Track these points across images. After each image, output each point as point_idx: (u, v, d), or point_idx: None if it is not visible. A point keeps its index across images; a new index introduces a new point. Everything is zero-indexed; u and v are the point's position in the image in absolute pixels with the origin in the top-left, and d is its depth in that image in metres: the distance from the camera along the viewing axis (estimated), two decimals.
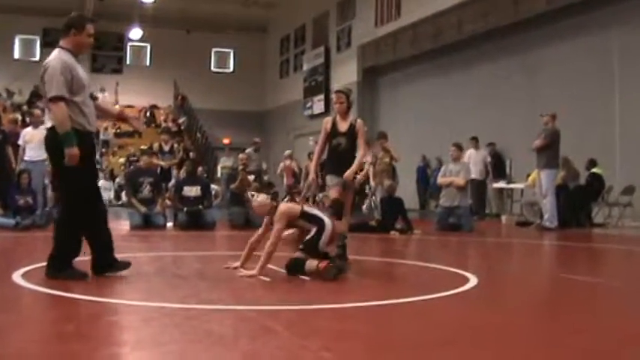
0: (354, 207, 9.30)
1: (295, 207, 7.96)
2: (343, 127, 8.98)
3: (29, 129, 16.81)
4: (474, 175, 19.18)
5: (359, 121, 9.06)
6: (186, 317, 5.36)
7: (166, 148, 17.43)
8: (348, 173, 8.67)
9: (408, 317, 5.65)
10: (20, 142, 16.45)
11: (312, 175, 9.27)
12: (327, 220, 7.74)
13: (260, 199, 7.88)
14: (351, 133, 8.90)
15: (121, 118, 8.99)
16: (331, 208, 8.47)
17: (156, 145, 17.91)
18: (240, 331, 5.01)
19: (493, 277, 8.39)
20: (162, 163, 17.06)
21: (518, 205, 20.64)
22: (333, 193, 8.77)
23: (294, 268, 7.41)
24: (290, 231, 7.80)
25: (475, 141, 19.76)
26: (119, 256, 7.49)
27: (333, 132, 9.05)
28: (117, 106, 38.08)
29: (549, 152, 16.47)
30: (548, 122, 16.75)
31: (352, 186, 9.06)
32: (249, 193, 8.22)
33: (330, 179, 8.90)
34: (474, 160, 19.92)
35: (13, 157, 16.18)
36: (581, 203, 17.90)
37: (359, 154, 9.00)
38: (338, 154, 8.99)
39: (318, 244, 7.59)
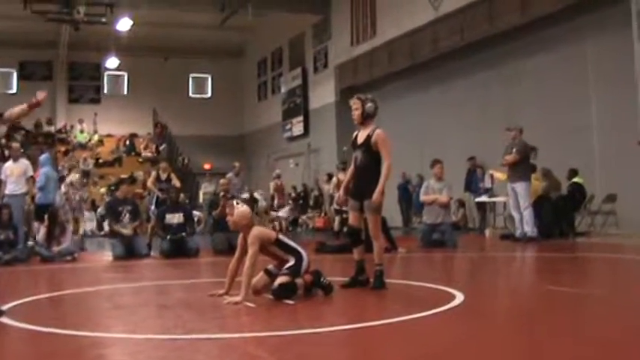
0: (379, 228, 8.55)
1: (270, 232, 7.96)
2: (361, 138, 8.45)
3: (9, 163, 16.76)
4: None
5: (377, 131, 8.34)
6: (172, 349, 5.33)
7: (164, 176, 17.39)
8: (374, 198, 8.10)
9: (395, 338, 5.62)
10: (2, 176, 16.42)
11: (340, 193, 9.04)
12: (303, 251, 7.78)
13: (243, 209, 7.83)
14: (367, 145, 8.30)
15: (32, 106, 8.45)
16: (347, 235, 8.45)
17: (154, 173, 17.85)
18: None
19: (479, 292, 8.38)
20: (156, 192, 17.00)
21: (501, 218, 20.67)
22: (350, 218, 8.59)
23: (281, 292, 7.38)
24: (258, 277, 7.73)
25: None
26: (102, 288, 7.43)
27: (353, 145, 8.53)
28: (96, 136, 38.12)
29: (522, 165, 16.70)
30: (516, 137, 16.89)
31: (373, 208, 8.23)
32: (234, 201, 8.10)
33: (349, 201, 8.54)
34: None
35: None
36: (564, 213, 17.95)
37: (383, 168, 8.26)
38: (356, 170, 8.49)
39: (300, 270, 7.61)
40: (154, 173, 17.78)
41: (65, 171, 30.95)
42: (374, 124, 8.47)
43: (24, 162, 16.85)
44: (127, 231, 15.35)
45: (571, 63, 20.24)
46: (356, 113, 8.47)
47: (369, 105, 8.46)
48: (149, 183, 17.26)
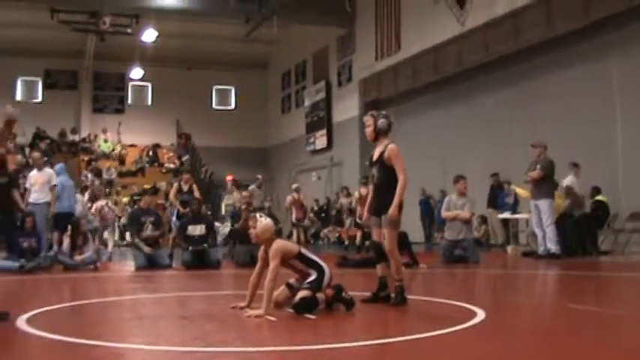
0: (400, 245, 8.37)
1: (292, 246, 7.95)
2: (376, 155, 8.41)
3: (34, 172, 16.92)
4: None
5: (390, 146, 8.24)
6: None
7: (185, 187, 17.42)
8: (390, 212, 7.98)
9: (416, 355, 5.58)
10: (27, 185, 16.62)
11: (363, 213, 9.01)
12: (325, 265, 7.76)
13: (266, 221, 7.81)
14: (382, 161, 8.24)
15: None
16: (372, 250, 8.43)
17: (176, 185, 17.87)
18: None
19: (500, 310, 8.32)
20: (177, 205, 17.03)
21: (524, 235, 20.56)
22: (373, 234, 8.49)
23: (302, 306, 7.36)
24: (279, 290, 7.72)
25: (576, 167, 19.00)
26: (123, 298, 7.43)
27: (370, 162, 8.50)
28: (118, 146, 38.25)
29: (546, 182, 16.64)
30: (541, 153, 16.84)
31: (389, 222, 8.07)
32: (257, 214, 8.07)
33: (371, 219, 8.43)
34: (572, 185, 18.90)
35: (20, 199, 16.20)
36: (587, 231, 17.84)
37: (399, 183, 8.10)
38: (374, 188, 8.50)
39: (321, 284, 7.59)
40: (175, 185, 17.82)
41: (88, 181, 31.19)
42: (388, 140, 8.39)
43: (47, 171, 16.99)
44: (147, 249, 15.37)
45: (596, 79, 20.16)
46: (368, 130, 8.46)
47: (381, 121, 8.37)
48: (171, 195, 17.31)
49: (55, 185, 16.61)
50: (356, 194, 21.35)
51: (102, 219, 18.75)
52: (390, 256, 8.12)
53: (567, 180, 18.50)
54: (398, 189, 8.03)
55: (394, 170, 8.16)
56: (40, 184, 16.56)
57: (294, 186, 26.29)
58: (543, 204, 16.65)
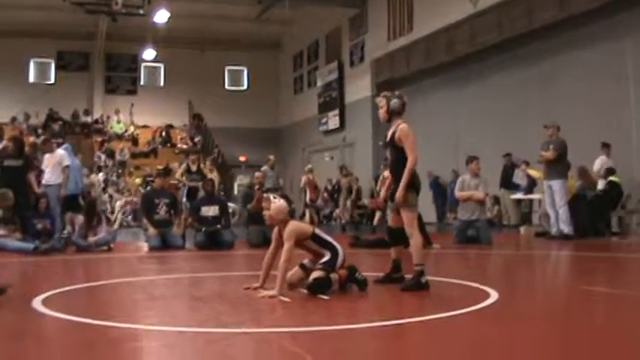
0: (417, 223, 8.19)
1: (306, 227, 7.94)
2: (389, 136, 8.29)
3: (48, 154, 16.97)
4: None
5: (401, 125, 8.11)
6: (207, 341, 5.33)
7: (194, 168, 17.44)
8: (398, 195, 7.87)
9: (429, 336, 5.60)
10: (43, 166, 16.71)
11: (382, 195, 9.03)
12: (339, 246, 7.76)
13: (280, 202, 7.80)
14: (393, 142, 8.14)
15: None
16: (388, 235, 8.41)
17: (184, 165, 17.88)
18: (261, 354, 5.00)
19: (513, 291, 8.33)
20: (186, 182, 17.05)
21: (537, 215, 20.54)
22: (390, 219, 8.45)
23: (316, 287, 7.38)
24: (293, 271, 7.73)
25: (607, 147, 18.94)
26: (137, 279, 7.46)
27: (384, 143, 8.44)
28: (131, 127, 38.32)
29: (559, 163, 16.60)
30: (553, 134, 16.79)
31: (399, 204, 7.97)
32: (270, 195, 8.05)
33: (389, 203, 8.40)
34: (606, 166, 18.80)
35: (35, 182, 16.26)
36: (600, 212, 17.81)
37: (407, 164, 7.95)
38: (390, 170, 8.45)
39: (335, 265, 7.61)
40: (183, 165, 17.83)
41: (102, 161, 31.29)
42: (401, 120, 8.25)
43: (59, 152, 17.03)
44: (153, 231, 15.40)
45: (610, 60, 20.08)
46: (381, 112, 8.35)
47: (394, 101, 8.24)
48: (178, 175, 17.30)
49: (67, 166, 16.63)
50: (381, 177, 21.35)
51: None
52: (410, 238, 7.98)
53: (599, 160, 18.44)
54: (406, 170, 7.89)
55: (402, 154, 8.03)
56: (52, 166, 16.61)
57: (307, 167, 26.28)
58: (556, 184, 16.62)
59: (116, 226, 19.43)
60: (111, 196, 24.88)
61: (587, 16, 20.32)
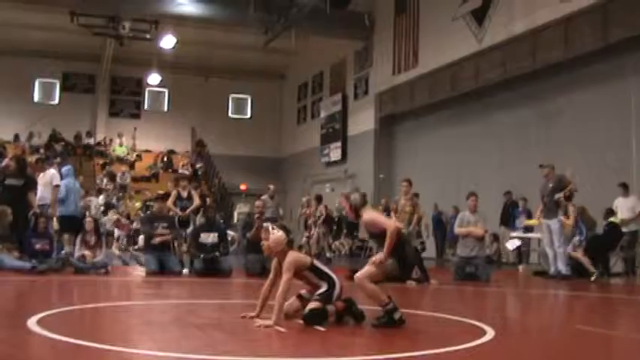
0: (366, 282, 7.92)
1: (305, 258, 7.92)
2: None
3: (41, 174, 17.10)
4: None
5: (363, 219, 8.00)
6: None
7: (184, 194, 17.39)
8: (379, 256, 7.68)
9: None
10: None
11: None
12: (336, 278, 7.74)
13: (278, 234, 7.79)
14: (369, 232, 8.23)
15: None
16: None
17: (174, 192, 17.85)
18: None
19: (510, 329, 8.32)
20: (177, 211, 16.97)
21: (536, 254, 20.51)
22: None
23: (312, 318, 7.36)
24: (290, 301, 7.71)
25: (624, 188, 18.62)
26: (134, 303, 7.46)
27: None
28: (134, 154, 38.40)
29: (557, 202, 16.53)
30: (549, 173, 16.80)
31: (376, 263, 7.67)
32: (269, 226, 8.02)
33: None
34: (623, 207, 18.59)
35: (35, 201, 16.30)
36: (599, 253, 17.76)
37: (387, 233, 7.68)
38: None
39: (332, 296, 7.59)
40: (174, 192, 17.76)
41: (103, 184, 31.29)
42: (364, 210, 8.06)
43: (50, 172, 17.12)
44: (158, 239, 15.45)
45: (613, 101, 20.15)
46: (348, 212, 8.25)
47: (353, 197, 8.07)
48: (169, 203, 17.22)
49: (56, 186, 16.68)
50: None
51: (119, 229, 18.80)
52: (358, 288, 7.77)
53: (617, 202, 18.38)
54: (387, 238, 7.66)
55: (384, 232, 7.81)
56: (43, 185, 16.71)
57: (304, 199, 26.34)
58: (554, 224, 16.60)
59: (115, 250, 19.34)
60: (118, 220, 24.82)
61: (590, 57, 20.41)
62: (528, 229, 20.24)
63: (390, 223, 7.83)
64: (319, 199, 26.16)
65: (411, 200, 16.37)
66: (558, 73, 21.93)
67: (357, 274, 7.70)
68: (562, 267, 16.38)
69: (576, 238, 17.24)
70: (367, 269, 7.70)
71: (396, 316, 7.67)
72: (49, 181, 16.73)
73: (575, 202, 17.71)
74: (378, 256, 7.68)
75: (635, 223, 18.15)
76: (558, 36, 20.97)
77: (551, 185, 16.67)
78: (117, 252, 19.88)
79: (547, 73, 22.24)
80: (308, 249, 24.73)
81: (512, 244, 18.56)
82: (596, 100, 20.70)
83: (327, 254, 24.07)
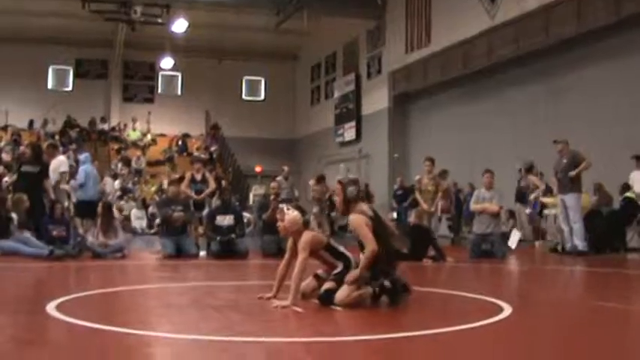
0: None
1: (321, 237, 7.89)
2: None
3: (53, 160, 17.26)
4: None
5: (350, 217, 7.70)
6: (219, 350, 5.36)
7: (198, 177, 17.39)
8: (349, 277, 7.41)
9: (441, 349, 5.60)
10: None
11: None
12: (352, 257, 7.70)
13: (294, 214, 7.77)
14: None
15: None
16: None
17: (188, 175, 17.85)
18: None
19: (527, 305, 8.31)
20: (192, 195, 16.96)
21: (552, 230, 20.44)
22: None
23: (327, 298, 7.37)
24: (307, 281, 7.70)
25: (638, 160, 18.53)
26: (151, 286, 7.50)
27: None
28: (149, 135, 38.47)
29: (574, 176, 16.42)
30: (563, 149, 16.69)
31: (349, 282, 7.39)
32: (284, 206, 8.01)
33: None
34: (638, 180, 18.53)
35: (51, 188, 16.38)
36: (616, 228, 17.74)
37: (365, 253, 7.44)
38: None
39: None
40: (188, 175, 17.79)
41: (118, 169, 31.40)
42: (356, 207, 7.75)
43: (58, 159, 17.28)
44: (177, 214, 15.50)
45: (626, 76, 20.04)
46: (337, 201, 7.96)
47: (350, 189, 7.76)
48: (183, 186, 17.23)
49: (63, 172, 16.81)
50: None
51: None
52: (343, 307, 7.31)
53: (633, 175, 18.30)
54: (363, 260, 7.45)
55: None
56: (51, 171, 16.81)
57: (311, 181, 26.37)
58: (570, 199, 16.46)
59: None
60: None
61: (603, 32, 20.32)
62: (544, 206, 20.20)
63: (371, 244, 7.44)
64: (319, 179, 26.10)
65: (434, 179, 16.39)
66: (570, 49, 21.84)
67: (339, 300, 7.32)
68: (579, 242, 16.28)
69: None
70: (346, 291, 7.37)
71: (387, 284, 7.47)
72: (56, 167, 16.86)
73: (592, 178, 17.70)
74: (352, 276, 7.42)
75: None
76: (571, 11, 20.88)
77: (565, 161, 16.58)
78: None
79: (559, 49, 22.15)
80: (324, 228, 24.76)
81: (513, 241, 18.41)
82: (607, 75, 20.61)
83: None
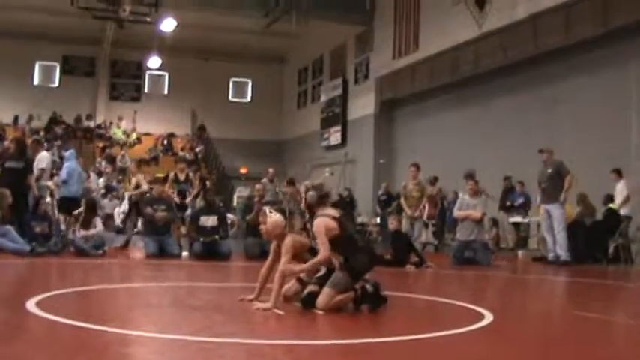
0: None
1: (304, 240, 7.89)
2: None
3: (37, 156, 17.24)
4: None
5: (315, 221, 7.56)
6: (199, 350, 5.34)
7: (182, 177, 17.38)
8: (321, 298, 7.27)
9: (420, 354, 5.61)
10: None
11: None
12: (335, 261, 7.67)
13: (276, 217, 7.76)
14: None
15: None
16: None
17: (172, 174, 17.82)
18: None
19: (508, 313, 8.33)
20: (175, 198, 16.94)
21: (535, 239, 20.51)
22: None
23: (309, 301, 7.36)
24: (289, 284, 7.69)
25: (617, 174, 18.31)
26: (133, 285, 7.48)
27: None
28: (134, 134, 38.38)
29: (556, 187, 16.48)
30: (548, 159, 16.76)
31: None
32: (267, 209, 7.99)
33: None
34: (618, 193, 18.43)
35: (35, 184, 16.31)
36: (598, 239, 17.78)
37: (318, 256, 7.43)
38: None
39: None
40: (171, 175, 17.78)
41: (102, 167, 31.29)
42: (320, 212, 7.69)
43: (41, 155, 17.24)
44: (160, 214, 15.46)
45: (613, 87, 20.13)
46: (302, 206, 8.00)
47: (310, 194, 7.73)
48: (166, 187, 17.22)
49: (42, 169, 16.78)
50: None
51: None
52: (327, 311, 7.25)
53: (619, 186, 18.29)
54: (310, 262, 7.48)
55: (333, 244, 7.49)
56: (35, 168, 16.80)
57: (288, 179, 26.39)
58: (554, 209, 16.55)
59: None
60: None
61: (591, 43, 20.40)
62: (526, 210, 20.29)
63: (324, 252, 7.37)
64: (290, 182, 26.04)
65: (418, 185, 16.42)
66: (559, 59, 21.91)
67: (321, 304, 7.25)
68: (561, 252, 16.35)
69: None
70: (328, 295, 7.27)
71: (368, 287, 7.44)
72: (37, 163, 16.83)
73: (577, 189, 17.74)
74: (289, 270, 7.43)
75: (624, 207, 18.09)
76: (559, 22, 20.96)
77: (549, 171, 16.64)
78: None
79: (547, 59, 22.22)
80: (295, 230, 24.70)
81: None
82: (596, 86, 20.68)
83: None
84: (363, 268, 7.61)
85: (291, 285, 7.68)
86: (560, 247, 16.39)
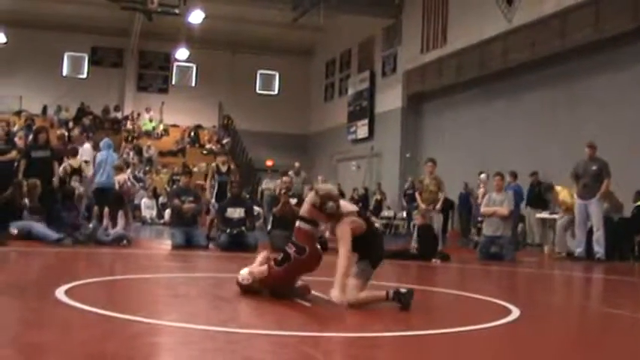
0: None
1: (360, 222, 7.34)
2: None
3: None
4: None
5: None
6: (226, 341, 5.34)
7: (224, 168, 17.44)
8: (335, 293, 7.03)
9: (447, 349, 5.60)
10: None
11: None
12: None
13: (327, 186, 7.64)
14: None
15: None
16: None
17: (213, 165, 17.91)
18: (280, 358, 4.99)
19: (535, 309, 8.29)
20: (205, 185, 17.00)
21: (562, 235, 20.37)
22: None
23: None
24: (263, 268, 7.50)
25: None
26: (160, 275, 7.50)
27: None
28: (161, 125, 38.52)
29: (598, 183, 16.37)
30: (593, 154, 16.66)
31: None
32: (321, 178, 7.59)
33: None
34: None
35: (58, 173, 16.38)
36: (626, 236, 17.66)
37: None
38: None
39: None
40: (213, 165, 17.81)
41: (130, 158, 31.43)
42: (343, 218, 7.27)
43: (85, 146, 17.33)
44: (187, 206, 15.48)
45: None
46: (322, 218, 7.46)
47: (330, 205, 7.17)
48: (208, 181, 17.28)
49: (85, 161, 16.87)
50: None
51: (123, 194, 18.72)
52: (353, 308, 7.03)
53: None
54: (345, 260, 7.09)
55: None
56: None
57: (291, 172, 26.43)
58: (594, 205, 16.43)
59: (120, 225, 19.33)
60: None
61: (620, 39, 20.27)
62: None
63: (346, 246, 7.12)
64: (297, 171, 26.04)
65: (435, 179, 16.38)
66: (587, 55, 21.79)
67: (337, 300, 7.03)
68: (599, 249, 16.21)
69: None
70: (356, 287, 7.07)
71: (403, 290, 7.15)
72: (81, 155, 16.96)
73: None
74: (333, 295, 7.09)
75: None
76: (588, 16, 20.84)
77: (594, 168, 16.47)
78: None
79: (575, 55, 22.12)
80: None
81: None
82: (624, 81, 20.54)
83: None
84: (381, 255, 7.55)
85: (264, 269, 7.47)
86: (598, 244, 16.25)
